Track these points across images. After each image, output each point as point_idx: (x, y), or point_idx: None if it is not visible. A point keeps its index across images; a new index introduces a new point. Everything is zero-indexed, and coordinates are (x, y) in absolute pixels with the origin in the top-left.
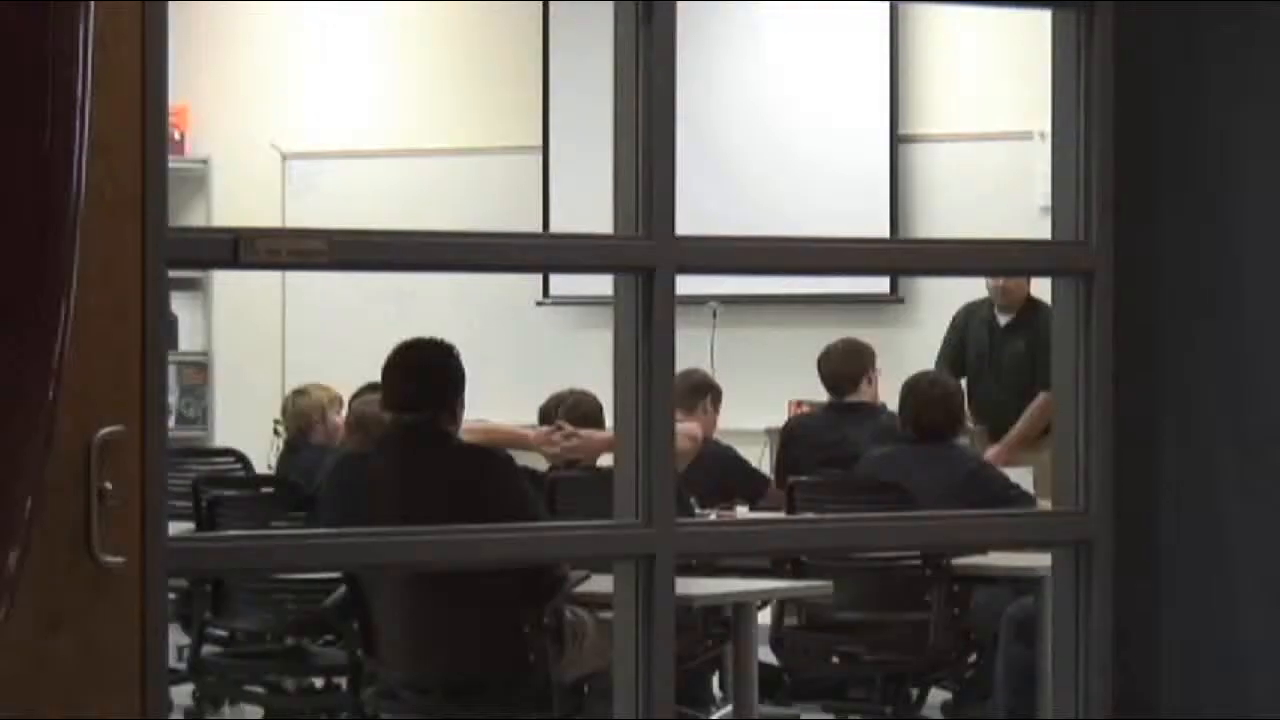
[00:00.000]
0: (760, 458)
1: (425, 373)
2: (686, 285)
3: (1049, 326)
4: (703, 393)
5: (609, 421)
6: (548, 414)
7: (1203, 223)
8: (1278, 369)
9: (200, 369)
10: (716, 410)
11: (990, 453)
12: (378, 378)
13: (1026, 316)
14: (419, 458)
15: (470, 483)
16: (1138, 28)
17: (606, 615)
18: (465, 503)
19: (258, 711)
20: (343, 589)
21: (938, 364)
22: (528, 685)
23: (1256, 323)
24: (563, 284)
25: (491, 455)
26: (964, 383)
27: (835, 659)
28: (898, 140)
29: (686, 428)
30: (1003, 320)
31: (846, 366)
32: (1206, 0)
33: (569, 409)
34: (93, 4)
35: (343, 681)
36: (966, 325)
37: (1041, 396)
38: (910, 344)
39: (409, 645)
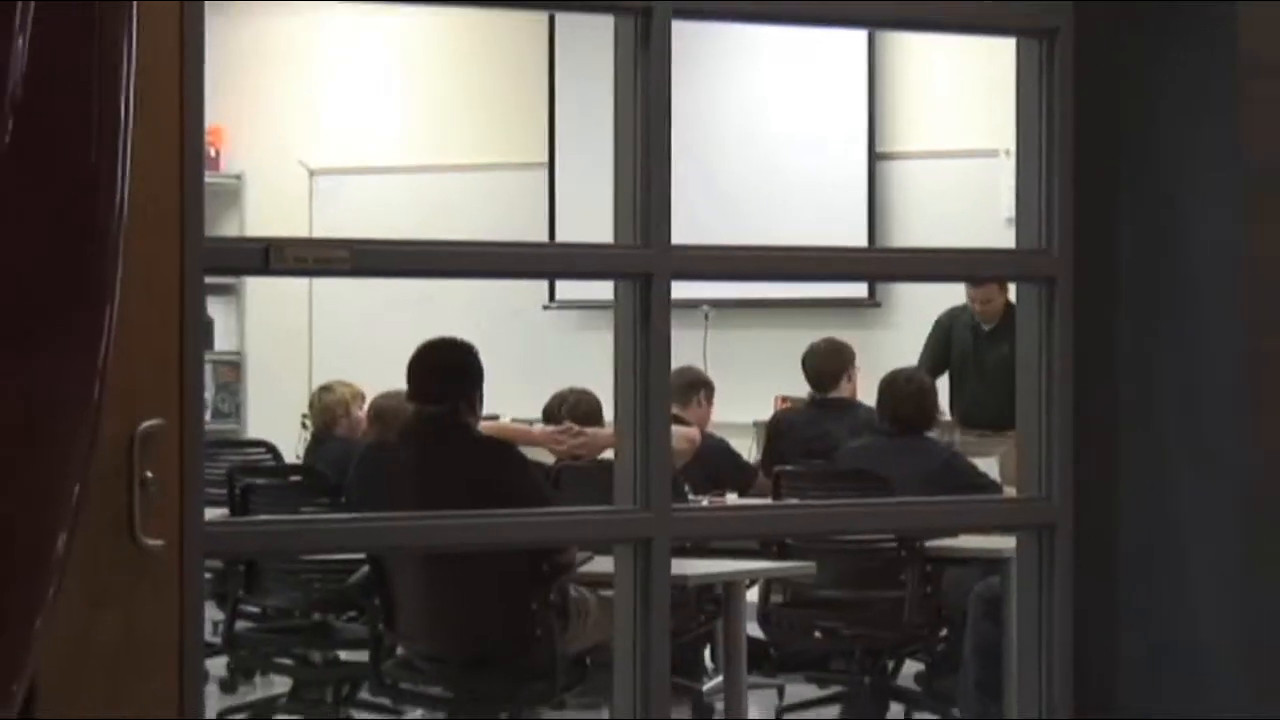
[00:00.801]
0: (750, 449)
1: (446, 369)
2: (681, 290)
3: None
4: (696, 388)
5: (608, 417)
6: (552, 412)
7: (1156, 231)
8: (1226, 365)
9: (234, 367)
10: (710, 403)
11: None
12: (397, 376)
13: (1008, 322)
14: (441, 448)
15: (488, 472)
16: (1095, 55)
17: (608, 593)
18: (482, 490)
19: (286, 682)
20: (366, 568)
21: (920, 364)
22: (535, 658)
23: (1206, 322)
24: (567, 289)
25: (507, 447)
26: (946, 383)
27: (817, 633)
28: (875, 157)
29: (686, 431)
30: (986, 327)
31: (828, 365)
32: (1159, 30)
33: (571, 407)
34: (135, 30)
35: (365, 654)
36: (951, 329)
37: None
38: (886, 344)
39: (427, 620)
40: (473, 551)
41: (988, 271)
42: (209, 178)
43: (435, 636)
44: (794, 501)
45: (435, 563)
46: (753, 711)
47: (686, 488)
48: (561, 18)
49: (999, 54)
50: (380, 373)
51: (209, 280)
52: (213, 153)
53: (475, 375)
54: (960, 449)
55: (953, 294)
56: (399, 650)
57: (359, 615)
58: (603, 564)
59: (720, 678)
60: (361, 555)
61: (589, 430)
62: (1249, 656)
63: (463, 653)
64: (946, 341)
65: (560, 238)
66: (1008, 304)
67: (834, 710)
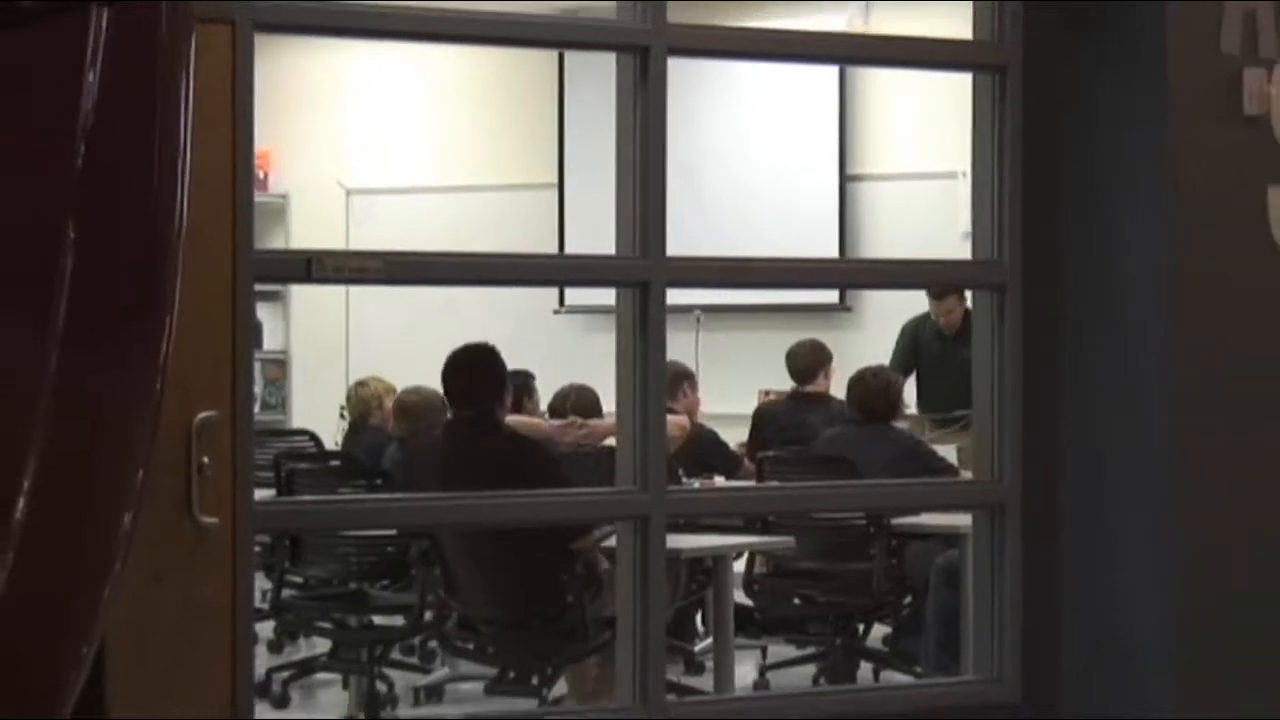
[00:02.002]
0: (739, 437)
1: (476, 372)
2: (675, 296)
3: None
4: (680, 381)
5: (607, 408)
6: (558, 407)
7: (1093, 244)
8: (1153, 362)
9: (280, 365)
10: (695, 392)
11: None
12: (424, 373)
13: (968, 328)
14: (477, 443)
15: (516, 462)
16: (1041, 89)
17: None
18: (512, 477)
19: (326, 644)
20: (426, 542)
21: (891, 366)
22: (568, 620)
23: (1137, 323)
24: (575, 296)
25: (532, 441)
26: (914, 382)
27: (796, 600)
28: (845, 179)
29: (677, 420)
30: (948, 335)
31: (808, 362)
32: (1097, 68)
33: (574, 402)
34: (193, 66)
35: (397, 619)
36: (917, 335)
37: None
38: (856, 344)
39: (479, 587)
40: (510, 530)
41: (946, 280)
42: (258, 197)
43: (485, 600)
44: (775, 484)
45: (484, 539)
46: (739, 670)
47: (680, 471)
48: (570, 55)
49: (957, 87)
50: (410, 369)
51: (258, 288)
52: (261, 175)
53: (502, 377)
54: (926, 439)
55: (915, 301)
56: (429, 617)
57: (394, 584)
58: None
59: (710, 639)
60: (393, 531)
61: (590, 422)
62: (1172, 615)
63: (509, 616)
64: (913, 347)
65: (569, 250)
66: (967, 313)
67: (810, 668)
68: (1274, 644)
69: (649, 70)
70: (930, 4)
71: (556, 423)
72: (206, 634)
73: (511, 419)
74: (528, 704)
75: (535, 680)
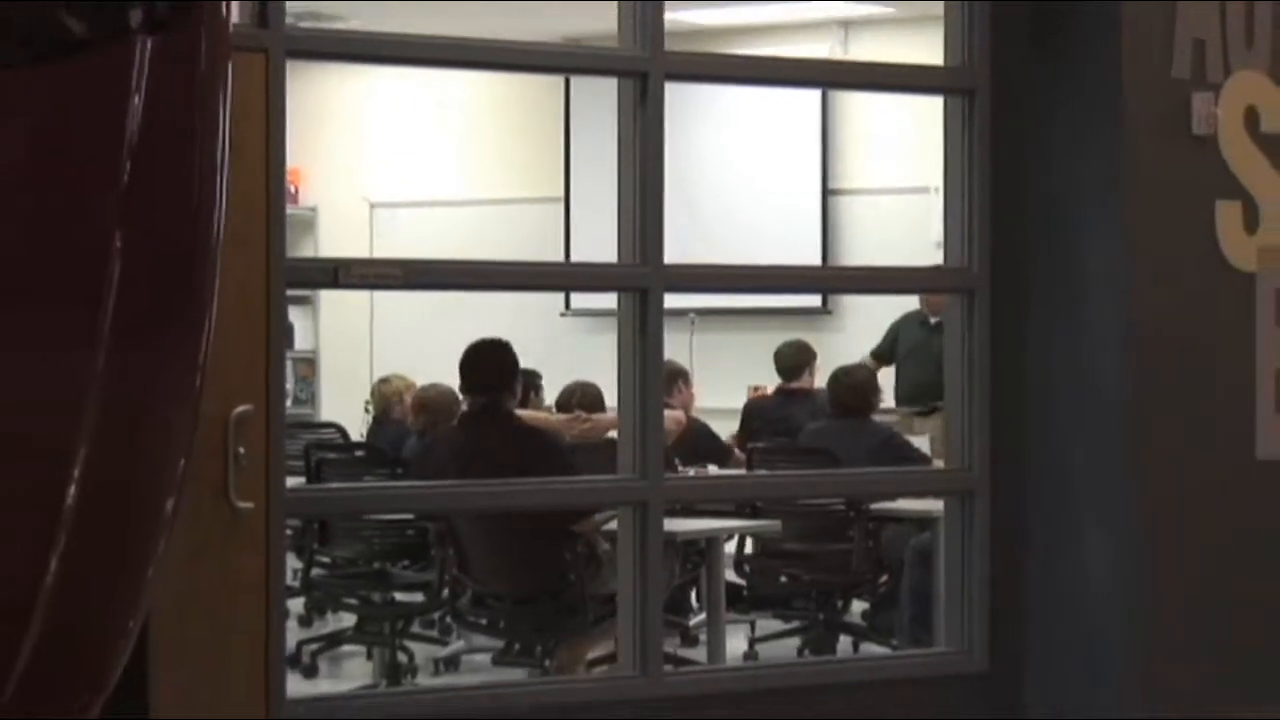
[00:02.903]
0: (730, 430)
1: (490, 363)
2: (671, 301)
3: None
4: (675, 378)
5: (609, 402)
6: (564, 402)
7: (1056, 251)
8: (1111, 360)
9: (309, 363)
10: (689, 388)
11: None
12: (441, 371)
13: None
14: (489, 432)
15: (524, 452)
16: (1007, 110)
17: None
18: (521, 462)
19: (351, 618)
20: (442, 524)
21: (870, 355)
22: (570, 597)
23: (1095, 323)
24: (580, 300)
25: (541, 430)
26: (894, 371)
27: (782, 578)
28: (827, 193)
29: (673, 414)
30: (933, 320)
31: (794, 360)
32: (1058, 91)
33: (580, 398)
34: (229, 90)
35: (417, 596)
36: (901, 326)
37: None
38: (837, 345)
39: (490, 567)
40: (518, 514)
41: (920, 285)
42: (289, 210)
43: (496, 579)
44: (763, 472)
45: (495, 523)
46: (730, 643)
47: (676, 461)
48: (575, 80)
49: (930, 109)
50: (428, 367)
51: (290, 293)
52: (292, 190)
53: (513, 369)
54: (900, 426)
55: (891, 304)
56: (464, 591)
57: (414, 564)
58: None
59: (703, 615)
60: (411, 515)
61: (594, 416)
62: (1128, 589)
63: (517, 593)
64: (894, 340)
65: (574, 258)
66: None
67: (795, 641)
68: (1222, 618)
69: (647, 94)
70: (905, 32)
71: (563, 417)
72: (242, 609)
73: (520, 413)
74: (531, 675)
75: (539, 651)
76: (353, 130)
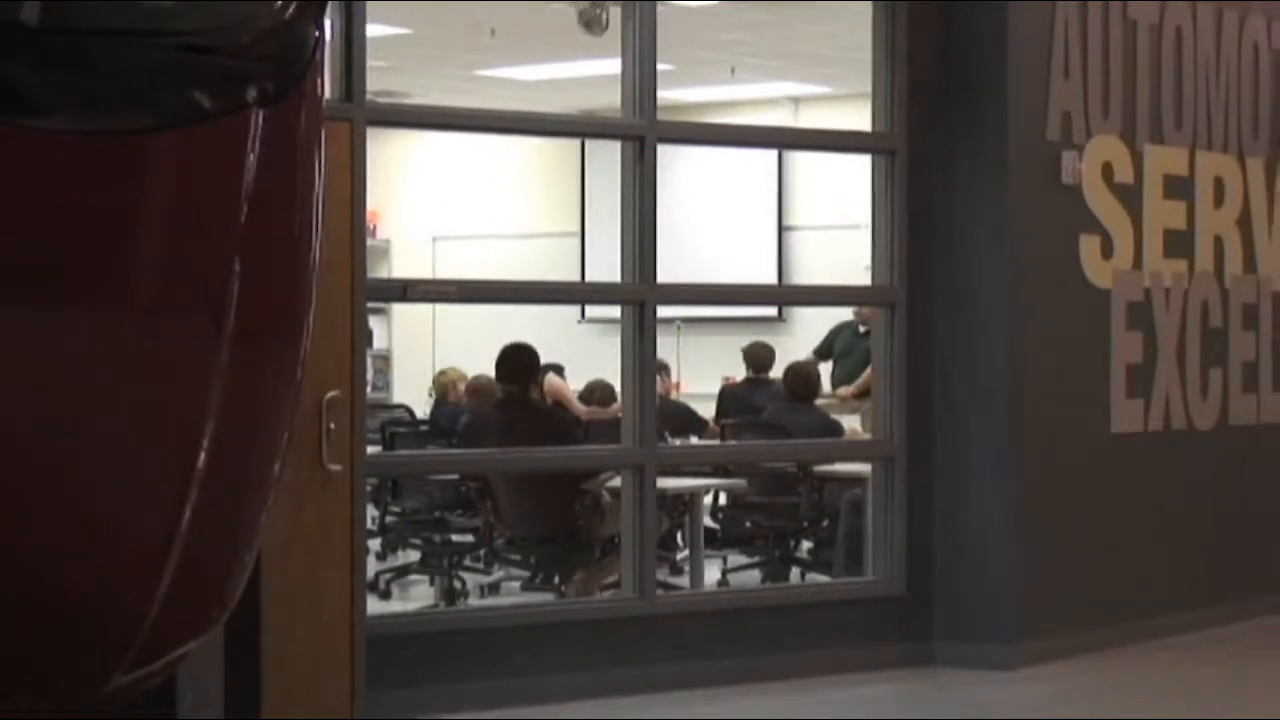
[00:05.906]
0: (708, 411)
1: (519, 361)
2: (663, 311)
3: None
4: (658, 370)
5: (618, 393)
6: (587, 397)
7: (956, 274)
8: (998, 359)
9: (385, 359)
10: (669, 377)
11: (844, 390)
12: (486, 364)
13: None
14: (517, 413)
15: (545, 426)
16: (920, 165)
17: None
18: (543, 434)
19: (417, 554)
20: (481, 482)
21: (813, 353)
22: (579, 539)
23: (987, 328)
24: (592, 310)
25: (559, 412)
26: (831, 365)
27: (748, 524)
28: (783, 229)
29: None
30: (863, 329)
31: (760, 357)
32: (959, 149)
33: (598, 395)
34: (324, 147)
35: (469, 537)
36: (838, 332)
37: (868, 372)
38: (790, 345)
39: (517, 515)
40: (541, 474)
41: (853, 300)
42: (369, 242)
43: (521, 524)
44: (733, 442)
45: (523, 481)
46: (708, 573)
47: (665, 434)
48: (590, 141)
49: (861, 165)
50: (476, 362)
51: (370, 305)
52: (371, 226)
53: (535, 366)
54: (838, 410)
55: (830, 314)
56: (500, 534)
57: (465, 512)
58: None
59: (687, 551)
60: (459, 476)
61: (611, 407)
62: (1014, 532)
63: (539, 535)
64: (831, 343)
65: (588, 278)
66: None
67: (757, 573)
68: (1085, 553)
69: (644, 153)
70: (843, 106)
71: (584, 408)
72: (332, 547)
73: (557, 387)
74: (554, 597)
75: (558, 579)
76: (419, 180)
